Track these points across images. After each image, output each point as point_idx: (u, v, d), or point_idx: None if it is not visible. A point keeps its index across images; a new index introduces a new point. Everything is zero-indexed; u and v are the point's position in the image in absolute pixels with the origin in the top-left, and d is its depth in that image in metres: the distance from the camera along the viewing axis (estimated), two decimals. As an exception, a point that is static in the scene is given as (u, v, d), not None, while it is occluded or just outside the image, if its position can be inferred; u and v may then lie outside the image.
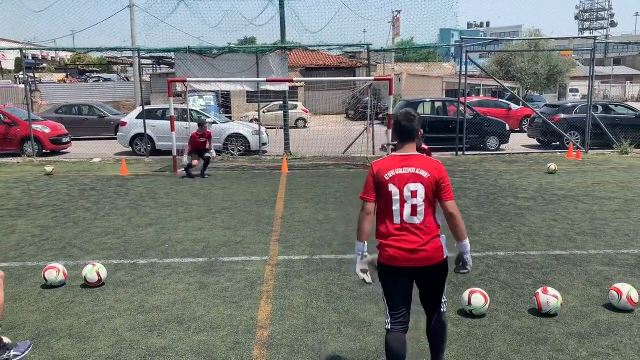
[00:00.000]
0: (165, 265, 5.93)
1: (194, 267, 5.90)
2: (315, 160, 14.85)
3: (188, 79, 13.96)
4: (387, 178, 3.33)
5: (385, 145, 12.35)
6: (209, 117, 16.30)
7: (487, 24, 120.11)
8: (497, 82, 21.08)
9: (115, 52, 18.74)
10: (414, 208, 3.30)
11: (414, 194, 3.29)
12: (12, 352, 3.82)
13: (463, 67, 16.14)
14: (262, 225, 7.71)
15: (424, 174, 3.31)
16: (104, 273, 5.37)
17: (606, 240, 6.88)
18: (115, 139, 17.57)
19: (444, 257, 3.39)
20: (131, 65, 34.34)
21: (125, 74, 52.04)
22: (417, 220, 3.31)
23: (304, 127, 25.66)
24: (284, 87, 15.57)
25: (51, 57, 60.15)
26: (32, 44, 32.08)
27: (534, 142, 18.66)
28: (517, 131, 22.05)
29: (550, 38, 27.33)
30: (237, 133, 16.15)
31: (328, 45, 16.52)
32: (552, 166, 12.52)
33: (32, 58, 48.12)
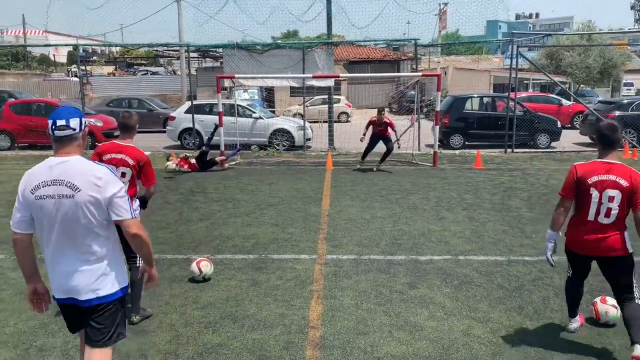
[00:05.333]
0: (217, 261, 6.04)
1: (245, 264, 6.01)
2: (360, 156, 14.78)
3: (236, 75, 14.15)
4: (590, 182, 3.92)
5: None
6: (255, 112, 16.50)
7: (537, 15, 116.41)
8: (548, 77, 20.45)
9: (165, 47, 19.13)
10: (608, 211, 3.89)
11: (611, 199, 3.87)
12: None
13: (513, 62, 15.72)
14: (309, 223, 7.77)
15: (624, 182, 3.85)
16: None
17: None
18: (164, 132, 18.01)
19: (629, 252, 3.93)
20: (177, 58, 35.03)
21: (171, 67, 53.14)
22: (609, 221, 3.91)
23: (347, 121, 25.60)
24: (330, 82, 15.57)
25: (101, 50, 62.02)
26: (85, 38, 33.17)
27: (587, 139, 18.04)
28: (569, 128, 21.38)
29: (604, 32, 26.19)
30: (282, 128, 16.28)
31: (375, 41, 16.41)
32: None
33: (83, 51, 49.77)
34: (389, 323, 4.54)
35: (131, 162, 4.54)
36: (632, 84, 43.38)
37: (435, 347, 4.13)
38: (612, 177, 3.88)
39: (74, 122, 2.86)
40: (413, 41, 16.06)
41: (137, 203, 4.66)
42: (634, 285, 3.97)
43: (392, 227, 7.56)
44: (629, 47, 38.32)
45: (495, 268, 5.86)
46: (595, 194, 3.90)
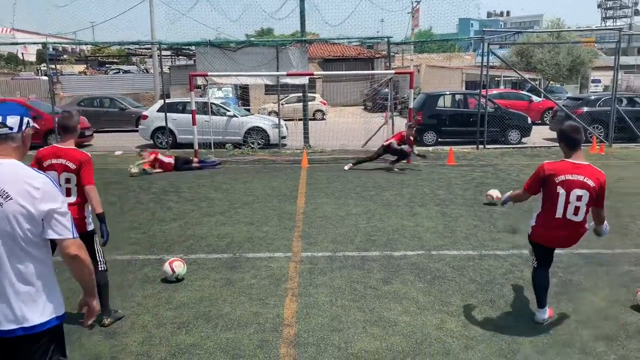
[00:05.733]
0: (191, 261, 5.99)
1: (219, 264, 5.97)
2: (335, 154, 14.85)
3: (209, 73, 14.03)
4: (557, 181, 4.09)
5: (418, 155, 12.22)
6: (229, 110, 16.39)
7: (508, 13, 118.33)
8: (518, 74, 20.81)
9: (137, 45, 18.86)
10: (577, 209, 4.10)
11: (579, 198, 4.07)
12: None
13: (484, 59, 15.95)
14: (284, 221, 7.76)
15: (590, 182, 4.05)
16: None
17: (632, 238, 6.80)
18: (137, 131, 17.76)
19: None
20: (150, 56, 34.56)
21: (144, 65, 52.42)
22: (577, 219, 4.13)
23: (322, 119, 25.63)
24: (304, 80, 15.55)
25: (71, 48, 60.79)
26: (55, 36, 32.44)
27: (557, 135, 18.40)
28: (539, 124, 21.78)
29: (573, 30, 26.94)
30: (257, 126, 16.21)
31: (348, 38, 16.45)
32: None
33: (53, 50, 48.75)
34: (363, 319, 4.56)
35: (73, 166, 4.23)
36: (599, 81, 44.44)
37: (409, 341, 4.17)
38: (580, 178, 4.05)
39: (12, 121, 2.46)
40: (386, 39, 16.14)
41: (88, 209, 4.43)
42: None
43: (367, 223, 7.60)
44: (596, 45, 39.22)
45: (468, 262, 5.95)
46: (562, 192, 4.06)
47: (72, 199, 4.26)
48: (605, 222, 4.37)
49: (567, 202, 4.06)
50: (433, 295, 5.05)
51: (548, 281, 4.47)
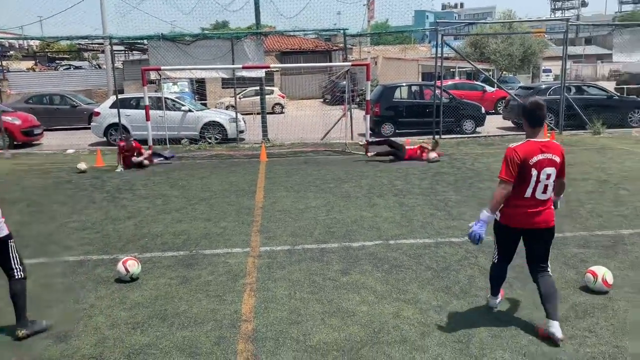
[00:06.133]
0: (146, 259, 5.86)
1: (175, 261, 5.86)
2: (294, 147, 14.81)
3: (162, 67, 13.73)
4: (531, 163, 3.99)
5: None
6: (184, 105, 16.09)
7: (462, 5, 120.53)
8: (472, 64, 21.22)
9: (87, 40, 18.25)
10: (546, 187, 4.05)
11: (548, 176, 4.03)
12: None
13: (439, 50, 16.17)
14: (242, 216, 7.68)
15: (557, 159, 4.05)
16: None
17: (581, 222, 7.04)
18: (89, 129, 17.26)
19: (554, 223, 4.16)
20: (103, 52, 33.57)
21: (96, 61, 50.86)
22: (545, 197, 4.09)
23: (281, 112, 25.51)
24: (261, 73, 15.42)
25: (19, 44, 58.44)
26: (-2, 31, 31.03)
27: (510, 124, 18.90)
28: (493, 113, 22.29)
29: (524, 21, 27.81)
30: (213, 121, 15.98)
31: (304, 31, 16.38)
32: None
33: (-1, 45, 46.77)
34: (322, 310, 4.56)
35: None
36: (550, 70, 45.82)
37: (367, 331, 4.20)
38: (549, 156, 4.02)
39: None
40: (342, 31, 16.15)
41: None
42: (549, 257, 4.24)
43: (326, 215, 7.61)
44: (546, 35, 40.42)
45: (424, 250, 6.03)
46: (534, 173, 3.99)
47: None
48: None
49: (537, 181, 4.01)
50: (390, 284, 5.09)
51: (505, 275, 4.48)
